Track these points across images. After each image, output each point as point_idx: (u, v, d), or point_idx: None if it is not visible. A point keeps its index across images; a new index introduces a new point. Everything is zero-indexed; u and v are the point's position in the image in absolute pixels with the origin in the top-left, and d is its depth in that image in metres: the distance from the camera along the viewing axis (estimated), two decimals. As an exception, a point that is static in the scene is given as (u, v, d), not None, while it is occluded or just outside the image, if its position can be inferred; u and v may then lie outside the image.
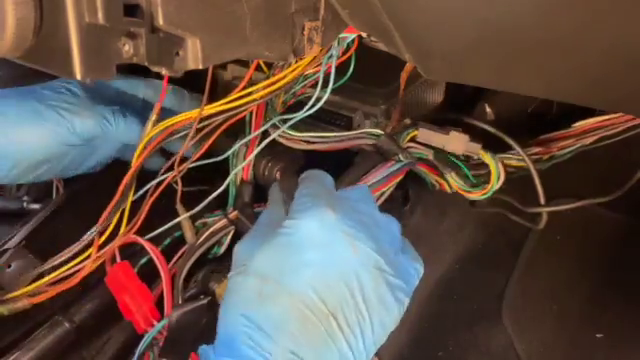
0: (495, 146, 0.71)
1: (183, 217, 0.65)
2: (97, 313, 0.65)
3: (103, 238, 0.60)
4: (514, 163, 0.72)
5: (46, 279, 0.59)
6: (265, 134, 0.67)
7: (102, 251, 0.60)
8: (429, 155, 0.67)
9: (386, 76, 0.70)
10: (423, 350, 0.77)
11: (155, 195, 0.62)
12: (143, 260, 0.64)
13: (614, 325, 0.77)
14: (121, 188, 0.57)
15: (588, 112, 0.76)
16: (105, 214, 0.58)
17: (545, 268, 0.83)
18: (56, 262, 0.59)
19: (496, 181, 0.66)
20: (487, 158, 0.66)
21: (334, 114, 0.72)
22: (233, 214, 0.66)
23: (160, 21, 0.40)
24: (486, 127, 0.71)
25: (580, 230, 0.85)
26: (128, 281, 0.61)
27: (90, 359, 0.64)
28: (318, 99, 0.62)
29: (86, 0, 0.36)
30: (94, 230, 0.59)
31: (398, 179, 0.66)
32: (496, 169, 0.66)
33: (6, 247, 0.65)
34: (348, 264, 0.47)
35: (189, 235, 0.66)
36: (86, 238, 0.59)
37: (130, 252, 0.64)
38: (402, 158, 0.65)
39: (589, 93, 0.51)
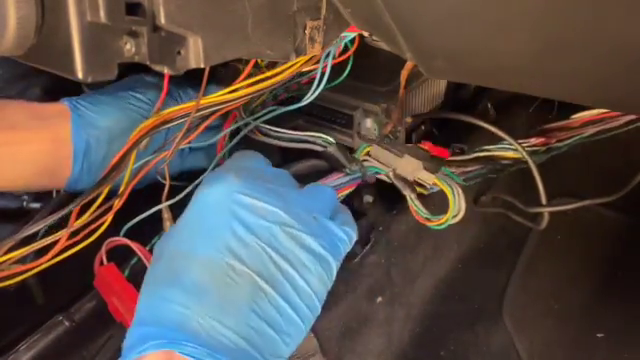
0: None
1: (166, 215, 0.65)
2: (97, 312, 0.65)
3: (85, 217, 0.58)
4: (511, 154, 0.70)
5: (17, 253, 0.57)
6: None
7: (79, 225, 0.58)
8: (389, 172, 0.63)
9: (387, 74, 0.70)
10: (425, 349, 0.77)
11: (143, 173, 0.62)
12: (133, 260, 0.64)
13: (615, 325, 0.77)
14: (111, 164, 0.56)
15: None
16: (90, 189, 0.57)
17: (546, 267, 0.83)
18: (26, 234, 0.56)
19: (452, 216, 0.59)
20: (445, 188, 0.60)
21: (335, 112, 0.72)
22: None
23: (162, 20, 0.40)
24: (488, 127, 0.70)
25: (581, 229, 0.85)
26: (115, 283, 0.60)
27: (90, 358, 0.64)
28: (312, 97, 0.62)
29: (88, -1, 0.36)
30: (74, 202, 0.56)
31: (348, 191, 0.63)
32: (454, 201, 0.59)
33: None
34: (254, 224, 0.47)
35: None
36: (66, 210, 0.56)
37: (123, 252, 0.64)
38: (349, 171, 0.63)
39: (591, 93, 0.50)
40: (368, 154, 0.65)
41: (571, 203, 0.77)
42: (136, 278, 0.62)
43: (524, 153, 0.67)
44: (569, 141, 0.73)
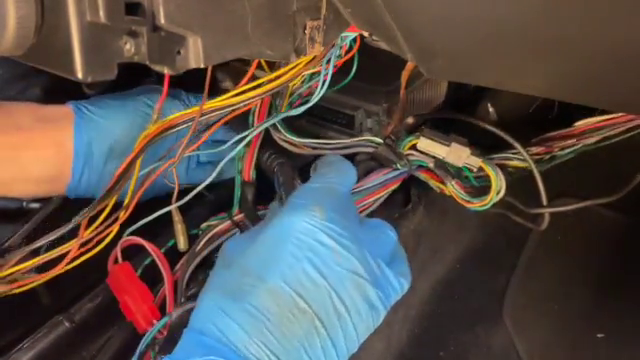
0: (497, 146, 0.71)
1: (176, 220, 0.66)
2: (97, 312, 0.65)
3: (93, 227, 0.59)
4: (515, 164, 0.72)
5: (26, 264, 0.58)
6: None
7: (89, 236, 0.59)
8: (430, 163, 0.67)
9: (388, 75, 0.69)
10: (424, 349, 0.77)
11: (149, 182, 0.62)
12: (147, 261, 0.64)
13: (615, 325, 0.77)
14: (117, 174, 0.57)
15: (590, 112, 0.76)
16: (97, 200, 0.57)
17: (546, 268, 0.83)
18: (37, 245, 0.57)
19: (495, 195, 0.65)
20: (489, 170, 0.66)
21: (336, 112, 0.72)
22: (238, 216, 0.66)
23: (161, 20, 0.40)
24: (489, 128, 0.71)
25: (581, 230, 0.84)
26: (128, 282, 0.61)
27: (90, 359, 0.64)
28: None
29: (87, -2, 0.36)
30: (82, 213, 0.57)
31: (394, 186, 0.66)
32: (497, 182, 0.65)
33: (7, 245, 0.65)
34: (328, 267, 0.48)
35: (181, 240, 0.67)
36: (74, 222, 0.57)
37: (135, 252, 0.64)
38: (399, 167, 0.66)
39: (592, 93, 0.50)
40: (413, 147, 0.67)
41: (571, 204, 0.77)
42: (149, 278, 0.62)
43: (531, 163, 0.69)
44: (572, 149, 0.74)
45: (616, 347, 0.76)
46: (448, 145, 0.65)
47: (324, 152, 0.67)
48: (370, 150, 0.67)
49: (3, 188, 0.61)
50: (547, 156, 0.74)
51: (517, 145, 0.69)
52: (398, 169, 0.66)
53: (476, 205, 0.66)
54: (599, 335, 0.76)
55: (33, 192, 0.64)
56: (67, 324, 0.62)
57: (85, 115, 0.63)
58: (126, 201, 0.60)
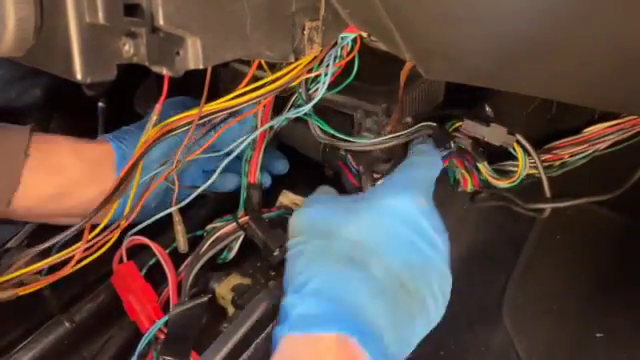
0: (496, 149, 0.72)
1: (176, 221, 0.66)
2: (97, 313, 0.65)
3: (97, 230, 0.59)
4: (528, 171, 0.75)
5: (32, 267, 0.58)
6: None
7: (93, 240, 0.59)
8: (467, 146, 0.73)
9: (387, 75, 0.70)
10: (424, 349, 0.76)
11: (151, 189, 0.62)
12: (152, 261, 0.64)
13: (614, 325, 0.77)
14: (119, 178, 0.57)
15: (589, 113, 0.76)
16: (99, 204, 0.57)
17: (545, 267, 0.84)
18: (43, 247, 0.57)
19: (522, 171, 0.72)
20: (518, 149, 0.73)
21: (335, 112, 0.72)
22: (243, 219, 0.66)
23: (160, 21, 0.40)
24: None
25: (580, 230, 0.85)
26: (133, 281, 0.61)
27: (90, 359, 0.64)
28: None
29: (86, 0, 0.36)
30: (86, 218, 0.57)
31: (443, 165, 0.69)
32: (524, 160, 0.73)
33: (8, 246, 0.65)
34: (427, 254, 0.51)
35: (181, 241, 0.67)
36: (77, 227, 0.57)
37: (140, 252, 0.65)
38: (452, 146, 0.70)
39: (590, 93, 0.51)
40: (457, 130, 0.73)
41: (570, 200, 0.77)
42: (153, 278, 0.62)
43: (542, 172, 0.74)
44: (583, 154, 0.78)
45: (615, 347, 0.76)
46: (488, 126, 0.71)
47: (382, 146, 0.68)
48: (430, 132, 0.70)
49: (45, 219, 0.63)
50: (557, 162, 0.78)
51: (534, 154, 0.73)
52: (449, 148, 0.69)
53: (505, 182, 0.74)
54: (598, 335, 0.76)
55: (71, 222, 0.63)
56: (67, 324, 0.62)
57: (125, 153, 0.64)
58: (126, 211, 0.61)
